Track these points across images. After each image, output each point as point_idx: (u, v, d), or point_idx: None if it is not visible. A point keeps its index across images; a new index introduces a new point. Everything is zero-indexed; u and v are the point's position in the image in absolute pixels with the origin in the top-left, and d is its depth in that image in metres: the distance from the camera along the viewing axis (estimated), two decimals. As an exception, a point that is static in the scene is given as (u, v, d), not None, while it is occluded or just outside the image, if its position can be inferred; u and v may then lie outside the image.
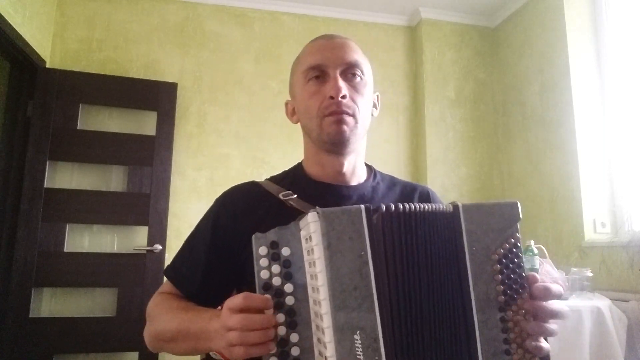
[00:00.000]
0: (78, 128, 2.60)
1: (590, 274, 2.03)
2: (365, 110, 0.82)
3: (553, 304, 0.62)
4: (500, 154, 3.18)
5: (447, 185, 3.03)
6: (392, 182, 0.92)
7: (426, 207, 0.62)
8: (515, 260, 0.62)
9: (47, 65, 2.66)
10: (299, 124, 0.88)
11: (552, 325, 0.61)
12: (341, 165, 0.83)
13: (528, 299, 0.61)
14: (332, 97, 0.77)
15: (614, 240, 2.25)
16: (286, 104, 0.91)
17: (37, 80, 2.54)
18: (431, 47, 3.19)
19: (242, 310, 0.57)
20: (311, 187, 0.84)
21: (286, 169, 0.92)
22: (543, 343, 0.61)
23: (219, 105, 2.92)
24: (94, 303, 2.58)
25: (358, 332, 0.54)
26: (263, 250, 0.60)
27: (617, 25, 2.50)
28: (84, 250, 2.57)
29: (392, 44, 3.28)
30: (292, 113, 0.89)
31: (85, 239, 2.62)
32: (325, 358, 0.55)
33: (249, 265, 0.75)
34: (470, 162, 3.12)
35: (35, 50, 2.49)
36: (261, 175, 0.91)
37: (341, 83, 0.78)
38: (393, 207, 0.59)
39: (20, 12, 2.31)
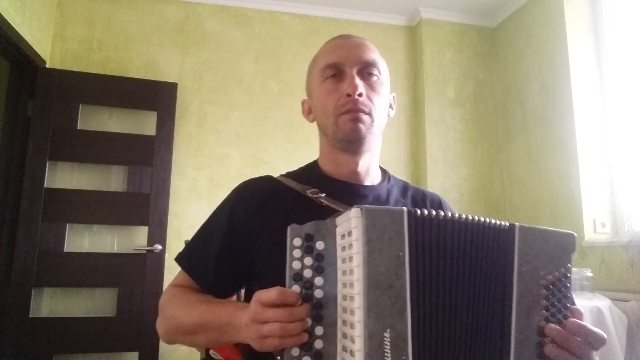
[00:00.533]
0: (78, 128, 2.60)
1: (590, 274, 2.03)
2: (381, 110, 0.82)
3: (588, 337, 0.60)
4: (500, 154, 3.18)
5: (447, 185, 3.03)
6: (405, 187, 0.93)
7: (477, 219, 0.62)
8: (563, 289, 0.62)
9: (47, 65, 2.66)
10: (314, 123, 0.88)
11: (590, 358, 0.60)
12: (356, 164, 0.83)
13: (568, 321, 0.61)
14: (348, 95, 0.78)
15: (614, 240, 2.25)
16: (303, 103, 0.91)
17: (37, 80, 2.54)
18: (431, 47, 3.19)
19: (275, 304, 0.58)
20: (328, 185, 0.83)
21: (294, 168, 0.92)
22: None
23: (219, 105, 2.92)
24: (94, 303, 2.58)
25: (388, 330, 0.54)
26: (297, 241, 0.60)
27: (617, 25, 2.50)
28: (84, 250, 2.57)
29: (392, 44, 3.28)
30: (309, 112, 0.89)
31: (85, 239, 2.62)
32: (351, 352, 0.55)
33: (263, 256, 0.77)
34: (470, 162, 3.12)
35: (35, 50, 2.49)
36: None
37: (358, 81, 0.78)
38: (434, 213, 0.60)
39: (20, 12, 2.31)
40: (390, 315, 0.55)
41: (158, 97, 2.72)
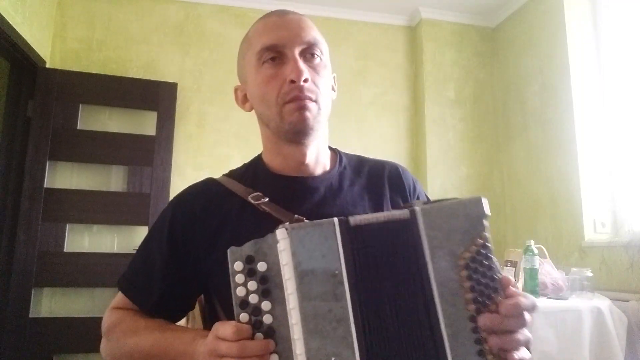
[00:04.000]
0: (78, 128, 2.60)
1: (590, 274, 2.03)
2: (326, 94, 0.75)
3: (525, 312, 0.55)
4: (500, 154, 3.18)
5: (447, 185, 3.03)
6: (360, 164, 0.85)
7: (382, 216, 0.57)
8: (485, 262, 0.55)
9: (47, 65, 2.66)
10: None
11: (525, 332, 0.55)
12: (304, 155, 0.76)
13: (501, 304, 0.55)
14: (292, 81, 0.70)
15: (614, 240, 2.25)
16: (235, 90, 0.82)
17: (37, 80, 2.54)
18: (431, 47, 3.19)
19: (233, 340, 0.55)
20: (275, 182, 0.77)
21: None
22: (523, 352, 0.55)
23: (219, 105, 2.91)
24: (93, 303, 2.58)
25: (333, 358, 0.51)
26: (238, 265, 0.56)
27: (617, 25, 2.50)
28: (84, 250, 2.57)
29: (392, 44, 3.28)
30: (244, 100, 0.81)
31: (85, 239, 2.62)
32: None
33: (216, 274, 0.70)
34: (470, 162, 3.12)
35: (35, 50, 2.49)
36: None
37: (302, 65, 0.71)
38: (358, 218, 0.55)
39: (20, 12, 2.31)
40: (333, 341, 0.51)
41: (158, 97, 2.72)
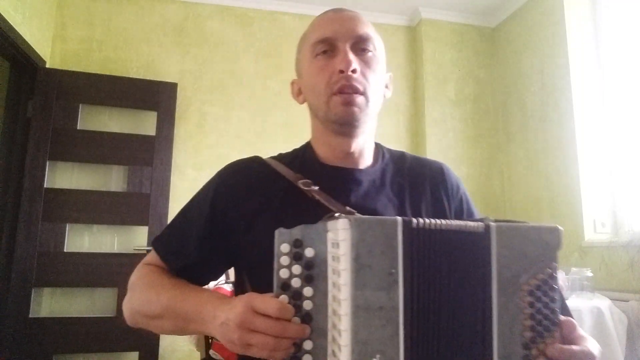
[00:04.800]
0: (78, 128, 2.60)
1: (590, 274, 2.03)
2: (376, 88, 0.76)
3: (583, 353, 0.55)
4: (500, 154, 3.18)
5: (447, 185, 3.03)
6: (402, 160, 0.86)
7: (455, 224, 0.56)
8: (550, 292, 0.55)
9: (47, 65, 2.66)
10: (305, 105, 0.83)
11: None
12: (349, 145, 0.78)
13: (556, 341, 0.55)
14: (341, 71, 0.71)
15: (614, 240, 2.25)
16: (292, 84, 0.85)
17: (37, 80, 2.54)
18: (431, 47, 3.19)
19: (270, 316, 0.54)
20: (322, 170, 0.79)
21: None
22: None
23: (219, 105, 2.91)
24: (93, 303, 2.58)
25: (378, 355, 0.50)
26: (285, 247, 0.56)
27: (617, 25, 2.50)
28: (84, 250, 2.57)
29: (392, 44, 3.28)
30: (298, 93, 0.83)
31: (85, 239, 2.62)
32: None
33: (252, 251, 0.72)
34: (470, 162, 3.12)
35: (35, 50, 2.49)
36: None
37: (351, 56, 0.72)
38: (422, 221, 0.54)
39: (20, 12, 2.31)
40: (380, 339, 0.50)
41: (158, 97, 2.72)
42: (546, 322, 0.55)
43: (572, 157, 2.50)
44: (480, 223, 0.57)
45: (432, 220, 0.55)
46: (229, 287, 1.79)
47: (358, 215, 0.54)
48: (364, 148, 0.80)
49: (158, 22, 2.92)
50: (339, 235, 0.52)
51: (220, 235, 0.75)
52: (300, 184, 0.73)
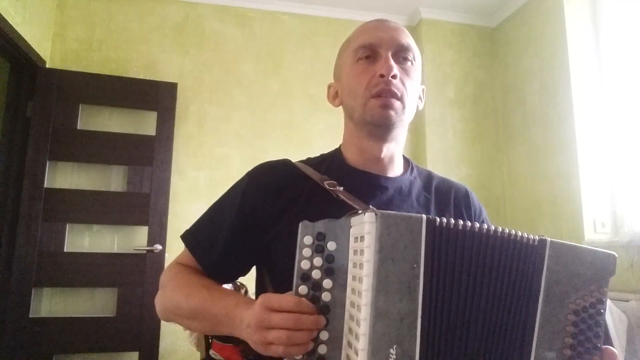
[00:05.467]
0: (78, 128, 2.60)
1: (590, 274, 2.03)
2: (413, 96, 0.79)
3: None
4: (500, 154, 3.18)
5: (447, 185, 3.03)
6: (429, 177, 0.88)
7: (502, 231, 0.57)
8: (596, 316, 0.55)
9: (47, 65, 2.66)
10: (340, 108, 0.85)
11: None
12: (380, 150, 0.80)
13: None
14: (382, 76, 0.74)
15: (614, 240, 2.25)
16: (329, 87, 0.88)
17: (37, 80, 2.54)
18: (431, 47, 3.19)
19: (287, 312, 0.55)
20: (348, 173, 0.81)
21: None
22: None
23: (219, 105, 2.91)
24: (94, 303, 2.58)
25: (395, 346, 0.51)
26: (308, 239, 0.58)
27: (617, 25, 2.50)
28: (84, 250, 2.57)
29: (392, 44, 3.28)
30: (335, 96, 0.85)
31: (85, 239, 2.62)
32: None
33: (275, 247, 0.75)
34: (470, 162, 3.12)
35: (35, 50, 2.49)
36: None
37: (393, 63, 0.75)
38: (455, 222, 0.55)
39: (20, 12, 2.31)
40: (398, 330, 0.51)
41: (158, 97, 2.72)
42: (588, 344, 0.55)
43: (572, 157, 2.50)
44: (535, 236, 0.58)
45: (458, 221, 0.56)
46: (228, 286, 1.78)
47: (384, 210, 0.55)
48: (393, 156, 0.82)
49: (158, 22, 2.92)
50: (364, 228, 0.53)
51: (249, 231, 0.78)
52: (326, 184, 0.76)
